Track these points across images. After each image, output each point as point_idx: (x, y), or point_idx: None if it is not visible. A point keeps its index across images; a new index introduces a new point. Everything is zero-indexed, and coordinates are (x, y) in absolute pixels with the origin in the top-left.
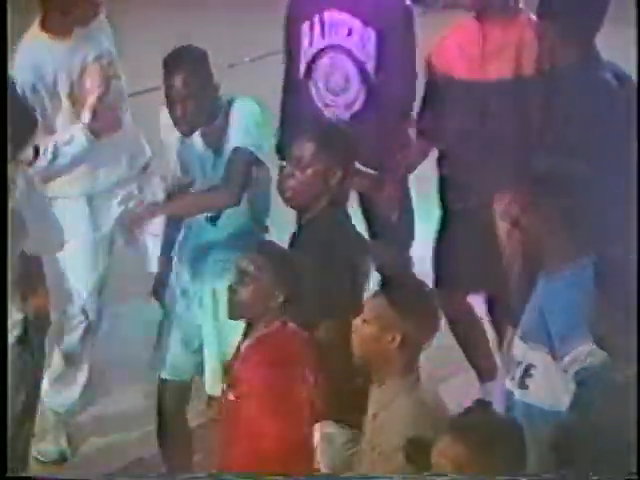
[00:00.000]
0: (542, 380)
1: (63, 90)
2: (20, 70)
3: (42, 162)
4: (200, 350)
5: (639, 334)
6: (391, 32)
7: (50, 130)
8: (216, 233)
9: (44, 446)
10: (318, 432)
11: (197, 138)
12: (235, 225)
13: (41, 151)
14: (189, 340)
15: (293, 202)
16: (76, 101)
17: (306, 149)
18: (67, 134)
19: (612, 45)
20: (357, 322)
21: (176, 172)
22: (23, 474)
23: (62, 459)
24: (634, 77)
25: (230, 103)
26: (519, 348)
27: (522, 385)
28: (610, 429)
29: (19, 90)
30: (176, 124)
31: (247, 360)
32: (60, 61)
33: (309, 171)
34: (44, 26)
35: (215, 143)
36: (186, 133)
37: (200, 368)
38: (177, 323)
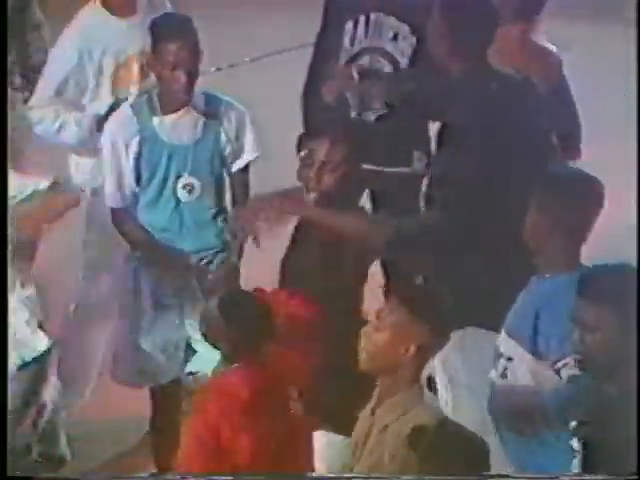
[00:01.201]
0: (515, 375)
1: (107, 69)
2: (67, 38)
3: (48, 129)
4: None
5: (639, 342)
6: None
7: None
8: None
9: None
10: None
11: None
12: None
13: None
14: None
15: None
16: (118, 83)
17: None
18: (79, 114)
19: (612, 45)
20: (367, 329)
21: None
22: (23, 474)
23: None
24: (634, 77)
25: (218, 101)
26: (503, 340)
27: (503, 375)
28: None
29: (60, 56)
30: (170, 94)
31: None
32: (112, 39)
33: (337, 172)
34: (106, 2)
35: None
36: (183, 101)
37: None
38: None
